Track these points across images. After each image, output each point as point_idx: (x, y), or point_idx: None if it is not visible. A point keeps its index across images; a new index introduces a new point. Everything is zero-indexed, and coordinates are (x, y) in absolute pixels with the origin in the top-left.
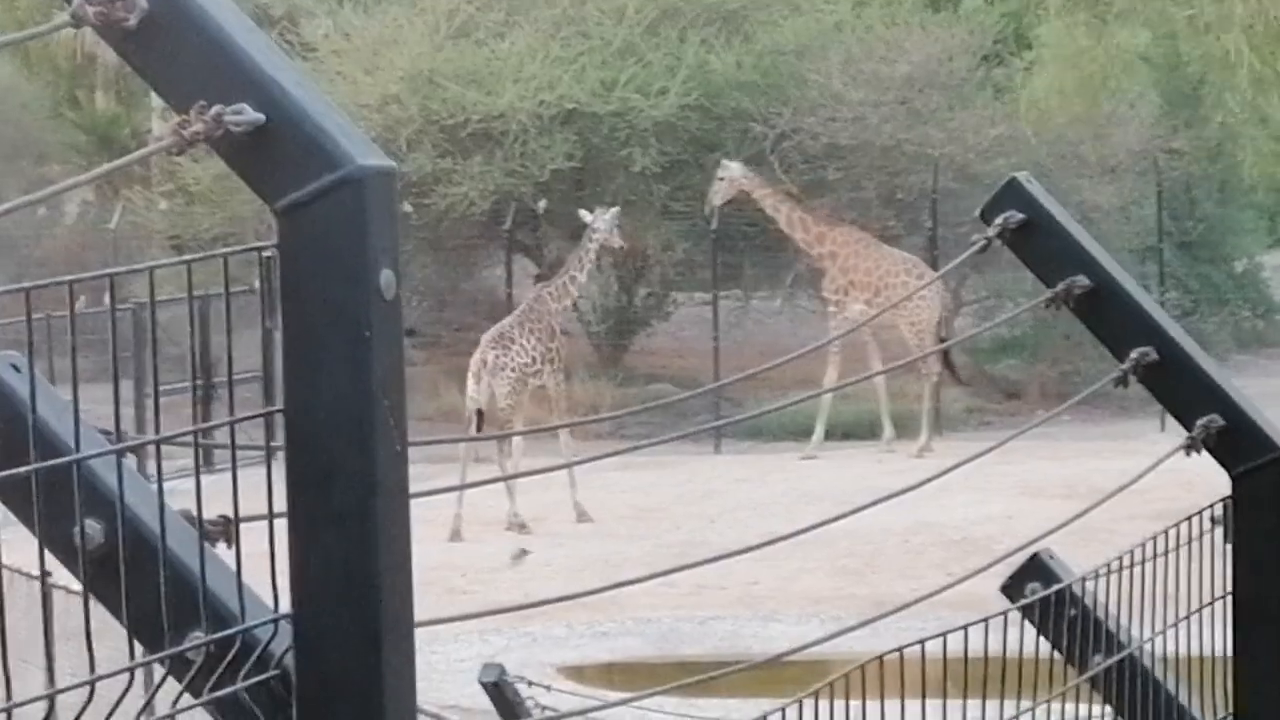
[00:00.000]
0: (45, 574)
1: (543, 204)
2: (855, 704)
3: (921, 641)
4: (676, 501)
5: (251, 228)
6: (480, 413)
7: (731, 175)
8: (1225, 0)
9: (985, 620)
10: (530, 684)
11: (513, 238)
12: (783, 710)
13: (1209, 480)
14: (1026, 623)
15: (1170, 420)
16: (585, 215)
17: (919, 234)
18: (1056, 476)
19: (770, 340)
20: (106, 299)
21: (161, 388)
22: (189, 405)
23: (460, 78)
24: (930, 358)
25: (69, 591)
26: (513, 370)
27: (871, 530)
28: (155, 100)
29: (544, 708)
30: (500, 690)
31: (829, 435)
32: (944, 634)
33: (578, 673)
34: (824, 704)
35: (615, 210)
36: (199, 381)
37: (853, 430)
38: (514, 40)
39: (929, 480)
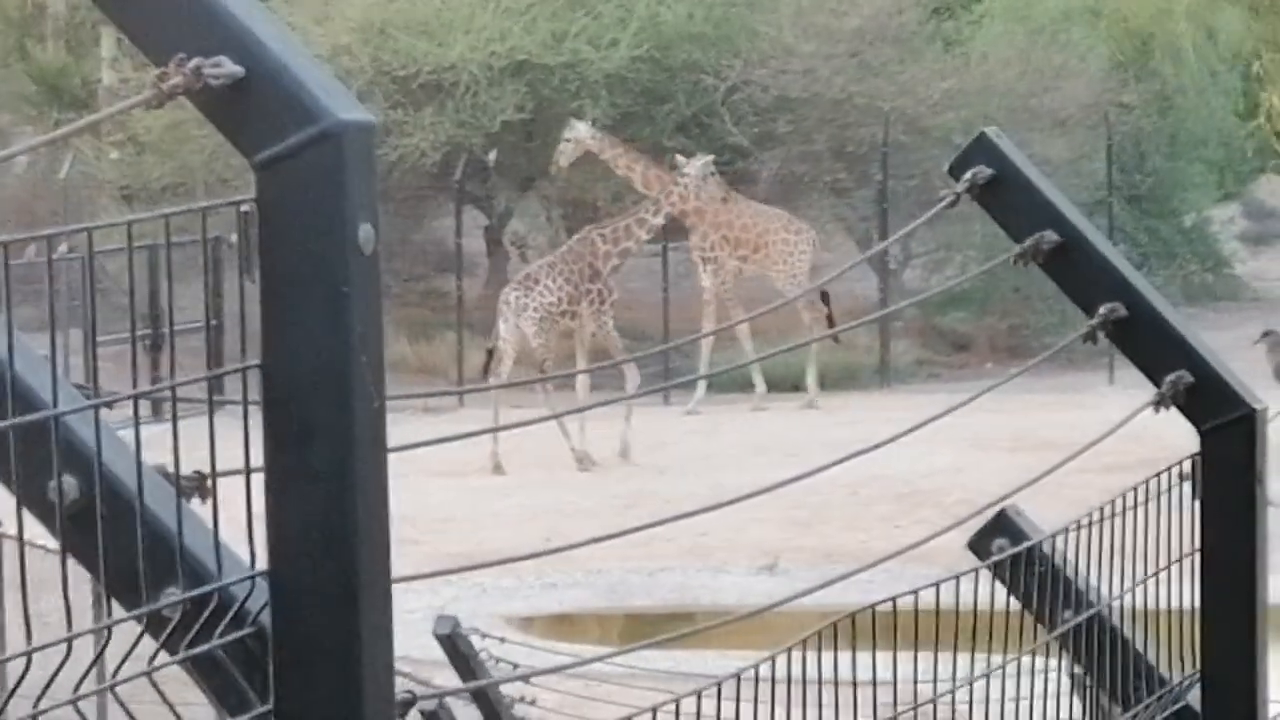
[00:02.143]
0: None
1: (493, 155)
2: (828, 658)
3: (894, 598)
4: (623, 452)
5: (201, 178)
6: (490, 352)
7: (578, 136)
8: None
9: (956, 577)
10: (484, 636)
11: (463, 189)
12: (755, 666)
13: (1159, 435)
14: (990, 577)
15: (1119, 374)
16: (680, 159)
17: (869, 187)
18: (1004, 429)
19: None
20: (63, 248)
21: (112, 338)
22: (136, 356)
23: (411, 28)
24: (805, 308)
25: (31, 545)
26: (536, 309)
27: (820, 482)
28: (105, 50)
29: (497, 659)
30: (454, 642)
31: (777, 387)
32: (915, 590)
33: (528, 624)
34: (796, 658)
35: (709, 158)
36: (149, 331)
37: (801, 383)
38: None
39: (900, 436)
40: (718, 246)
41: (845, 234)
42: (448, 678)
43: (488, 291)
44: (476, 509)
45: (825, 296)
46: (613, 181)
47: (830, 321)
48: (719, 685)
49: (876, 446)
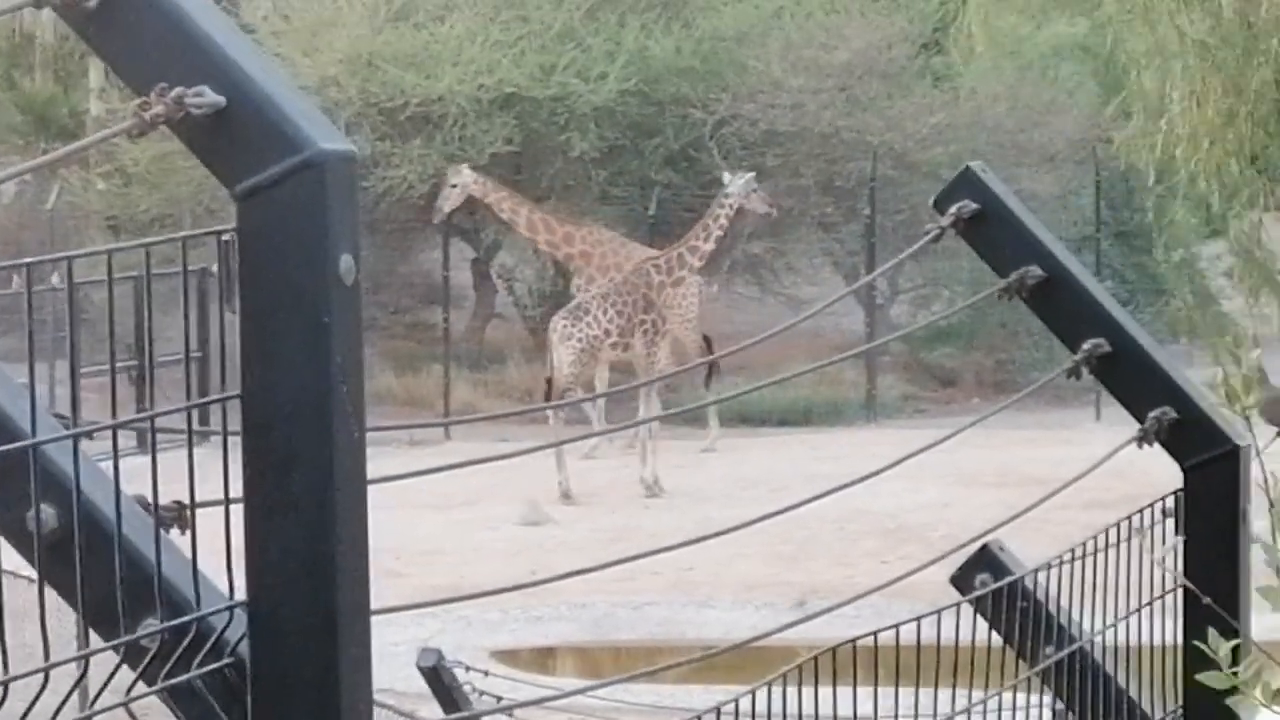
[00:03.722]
0: None
1: None
2: (808, 692)
3: (875, 632)
4: (611, 487)
5: (188, 209)
6: (549, 381)
7: (463, 182)
8: None
9: (938, 612)
10: (468, 669)
11: (450, 221)
12: (735, 701)
13: (1144, 471)
14: (973, 612)
15: (1106, 410)
16: (726, 177)
17: (857, 221)
18: (990, 465)
19: (707, 326)
20: (54, 279)
21: (96, 369)
22: (120, 386)
23: (399, 60)
24: (691, 349)
25: (15, 576)
26: (578, 340)
27: (805, 516)
28: (93, 81)
29: (481, 692)
30: (438, 675)
31: (764, 422)
32: (897, 625)
33: (512, 657)
34: (776, 692)
35: (751, 175)
36: (134, 363)
37: (786, 417)
38: (453, 24)
39: (884, 470)
40: None
41: (833, 269)
42: (432, 710)
43: (475, 324)
44: (462, 542)
45: (708, 341)
46: (600, 215)
47: (712, 367)
48: (699, 719)
49: (861, 480)
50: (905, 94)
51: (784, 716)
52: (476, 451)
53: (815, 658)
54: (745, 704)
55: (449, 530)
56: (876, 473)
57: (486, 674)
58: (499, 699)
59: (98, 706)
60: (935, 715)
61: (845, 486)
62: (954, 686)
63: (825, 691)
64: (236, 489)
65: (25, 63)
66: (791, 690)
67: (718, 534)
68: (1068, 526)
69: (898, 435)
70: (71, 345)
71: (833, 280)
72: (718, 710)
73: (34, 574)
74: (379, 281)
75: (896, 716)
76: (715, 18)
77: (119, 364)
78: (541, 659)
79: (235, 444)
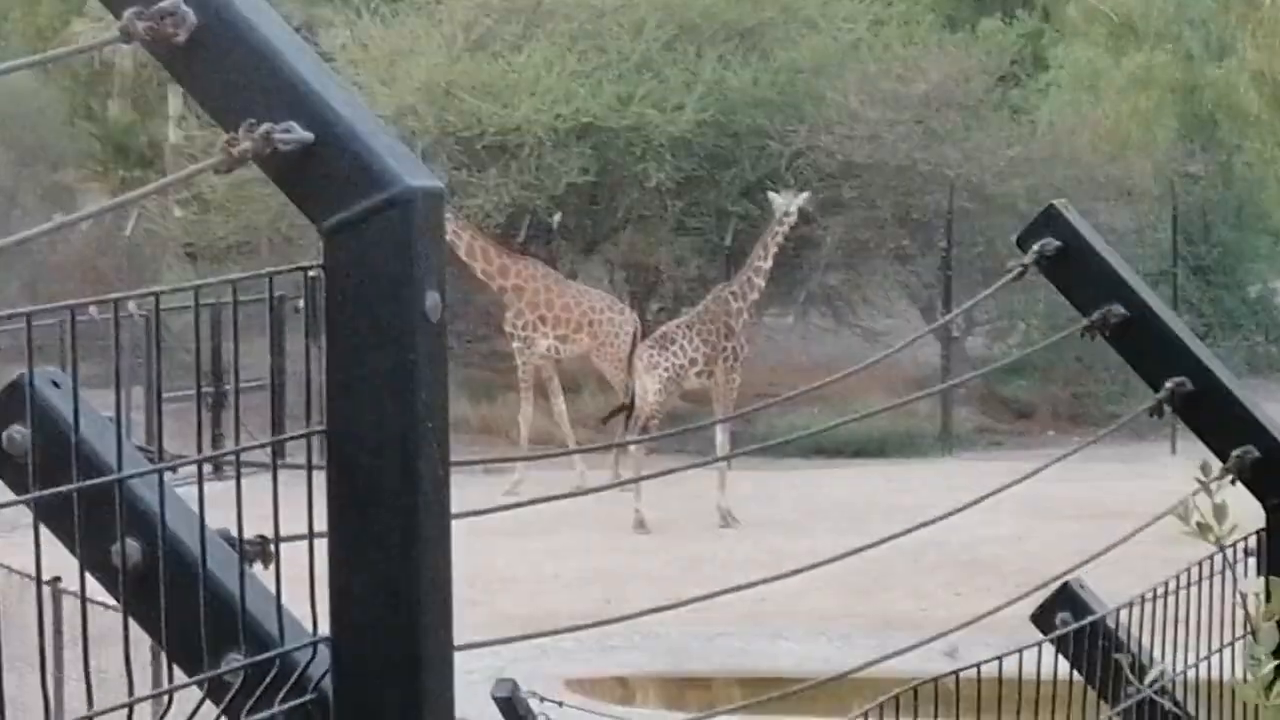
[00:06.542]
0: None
1: (557, 218)
2: None
3: (956, 671)
4: (685, 517)
5: (266, 236)
6: (623, 408)
7: None
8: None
9: (1019, 651)
10: (542, 699)
11: (526, 251)
12: None
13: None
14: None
15: (1182, 444)
16: (776, 199)
17: (933, 254)
18: (1066, 498)
19: (782, 357)
20: (130, 305)
21: (174, 395)
22: (201, 417)
23: (477, 90)
24: (619, 388)
25: (91, 601)
26: (665, 369)
27: (879, 548)
28: (172, 109)
29: None
30: (513, 706)
31: (839, 453)
32: (978, 664)
33: (586, 686)
34: None
35: (806, 195)
36: (209, 389)
37: (862, 448)
38: (531, 53)
39: (977, 501)
40: (532, 326)
41: (908, 301)
42: None
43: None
44: (536, 570)
45: (632, 399)
46: (675, 245)
47: (631, 404)
48: None
49: (943, 517)
50: (983, 126)
51: None
52: (552, 479)
53: (897, 696)
54: None
55: (523, 558)
56: (955, 511)
57: (561, 704)
58: None
59: None
60: None
61: (923, 525)
62: None
63: None
64: (319, 524)
65: (104, 91)
66: None
67: (795, 572)
68: (1147, 561)
69: (973, 467)
70: (154, 379)
71: (908, 313)
72: None
73: (108, 600)
74: (455, 310)
75: None
76: (793, 49)
77: (191, 390)
78: (615, 689)
79: (319, 478)
